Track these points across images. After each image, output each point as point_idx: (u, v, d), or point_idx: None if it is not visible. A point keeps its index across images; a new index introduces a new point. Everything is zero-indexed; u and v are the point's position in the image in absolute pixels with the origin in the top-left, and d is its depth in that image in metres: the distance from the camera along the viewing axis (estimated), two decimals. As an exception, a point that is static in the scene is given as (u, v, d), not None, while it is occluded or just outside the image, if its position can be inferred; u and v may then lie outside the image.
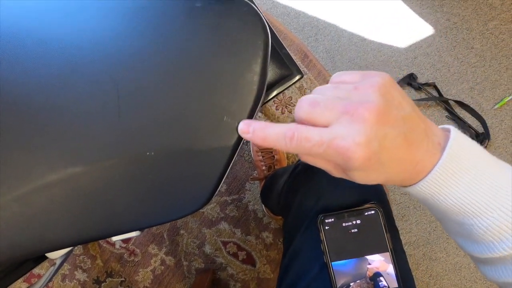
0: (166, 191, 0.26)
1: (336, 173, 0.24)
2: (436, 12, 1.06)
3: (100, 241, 0.92)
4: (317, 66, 0.99)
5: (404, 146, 0.20)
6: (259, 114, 0.95)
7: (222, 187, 0.93)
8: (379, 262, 0.32)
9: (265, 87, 0.27)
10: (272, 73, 0.48)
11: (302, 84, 0.98)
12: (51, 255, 0.30)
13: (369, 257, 0.32)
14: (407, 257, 0.38)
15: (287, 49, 0.51)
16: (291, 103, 0.97)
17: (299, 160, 0.45)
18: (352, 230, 0.33)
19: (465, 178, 0.21)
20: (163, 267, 0.92)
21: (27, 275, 0.89)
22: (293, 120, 1.03)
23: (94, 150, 0.23)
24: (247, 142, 0.93)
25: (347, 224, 0.33)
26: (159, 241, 0.92)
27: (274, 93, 0.49)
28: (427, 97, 1.02)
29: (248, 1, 0.25)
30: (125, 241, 0.91)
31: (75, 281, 0.90)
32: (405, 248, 0.37)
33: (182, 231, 0.93)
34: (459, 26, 1.06)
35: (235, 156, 0.26)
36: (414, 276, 0.52)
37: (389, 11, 1.06)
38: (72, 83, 0.23)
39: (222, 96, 0.24)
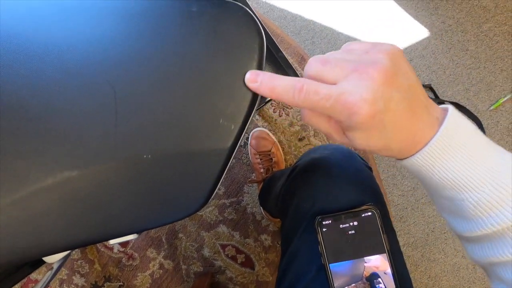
0: (162, 194, 0.26)
1: (336, 135, 0.24)
2: (431, 15, 1.07)
3: (98, 245, 0.91)
4: (314, 69, 1.00)
5: (407, 112, 0.21)
6: (256, 117, 0.96)
7: (220, 190, 0.93)
8: (377, 263, 0.32)
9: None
10: (268, 76, 0.48)
11: (299, 87, 0.99)
12: (49, 259, 0.30)
13: (366, 259, 0.33)
14: (406, 258, 0.38)
15: (283, 52, 0.51)
16: (288, 106, 0.97)
17: (296, 162, 0.45)
18: (349, 232, 0.33)
19: (460, 153, 0.21)
20: (161, 271, 0.91)
21: (24, 280, 0.89)
22: (291, 122, 1.02)
23: (91, 153, 0.23)
24: (245, 144, 0.94)
25: (344, 225, 0.33)
26: (158, 244, 0.92)
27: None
28: (423, 98, 1.03)
29: (243, 6, 0.25)
30: (123, 245, 0.91)
31: (73, 286, 0.89)
32: (403, 249, 0.38)
33: (180, 235, 0.92)
34: (454, 28, 1.07)
35: (231, 159, 0.27)
36: (412, 278, 0.52)
37: (385, 14, 1.07)
38: (68, 87, 0.23)
39: (218, 99, 0.24)
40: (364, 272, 0.32)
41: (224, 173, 0.27)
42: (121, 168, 0.24)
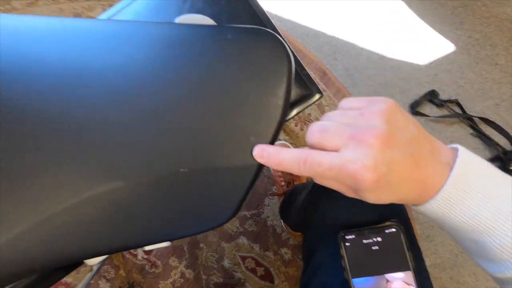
0: (195, 205, 0.28)
1: (349, 193, 0.25)
2: (457, 30, 1.06)
3: (123, 252, 0.95)
4: (336, 84, 1.01)
5: (411, 166, 0.22)
6: (279, 130, 0.97)
7: (242, 201, 0.94)
8: (401, 281, 0.32)
9: (288, 109, 0.29)
10: (293, 93, 0.50)
11: (321, 101, 1.00)
12: (90, 261, 0.33)
13: (390, 275, 0.33)
14: (433, 280, 0.37)
15: (307, 70, 0.53)
16: (310, 119, 0.98)
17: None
18: (373, 247, 0.33)
19: (475, 197, 0.21)
20: (182, 280, 0.93)
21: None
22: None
23: (136, 167, 0.26)
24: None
25: (367, 241, 0.34)
26: (179, 254, 0.94)
27: (295, 112, 0.52)
28: (449, 114, 1.01)
29: (274, 32, 0.28)
30: (147, 252, 0.94)
31: (99, 290, 0.93)
32: (430, 270, 0.37)
33: (201, 245, 0.94)
34: (481, 42, 1.04)
35: (260, 174, 0.28)
36: (439, 300, 0.50)
37: (409, 29, 1.07)
38: (119, 107, 0.26)
39: (249, 119, 0.26)
40: (388, 289, 0.32)
41: (253, 187, 0.28)
42: (160, 181, 0.27)
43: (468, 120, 1.00)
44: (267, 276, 0.92)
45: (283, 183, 0.89)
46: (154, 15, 0.47)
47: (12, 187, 0.26)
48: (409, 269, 0.32)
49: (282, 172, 0.89)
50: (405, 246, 0.33)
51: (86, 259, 0.32)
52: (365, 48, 1.05)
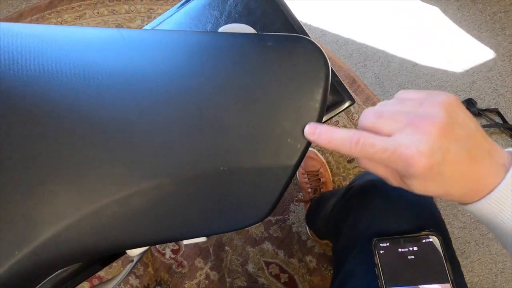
0: (233, 203, 0.29)
1: (393, 181, 0.25)
2: (497, 36, 1.01)
3: (152, 250, 0.99)
4: (366, 91, 0.99)
5: (467, 161, 0.21)
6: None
7: (267, 207, 0.95)
8: (438, 292, 0.31)
9: (324, 113, 0.30)
10: (324, 99, 0.51)
11: (350, 109, 0.99)
12: (132, 252, 0.35)
13: (426, 286, 0.32)
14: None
15: (338, 76, 0.54)
16: (338, 127, 0.97)
17: (350, 183, 0.45)
18: (409, 257, 0.33)
19: None
20: (207, 281, 0.95)
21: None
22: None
23: (181, 164, 0.28)
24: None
25: (403, 250, 0.33)
26: (205, 255, 0.96)
27: (325, 118, 0.52)
28: (488, 123, 0.95)
29: (312, 40, 0.29)
30: (175, 252, 0.97)
31: (128, 285, 0.97)
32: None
33: (227, 247, 0.96)
34: (525, 49, 0.99)
35: (295, 175, 0.29)
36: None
37: (444, 36, 1.03)
38: (168, 111, 0.28)
39: (287, 121, 0.28)
40: (425, 300, 0.31)
41: (287, 188, 0.29)
42: (202, 178, 0.28)
43: (509, 130, 0.94)
44: (291, 283, 0.91)
45: (309, 190, 0.88)
46: (194, 25, 0.50)
47: (71, 178, 0.29)
48: (447, 282, 0.31)
49: (309, 178, 0.89)
50: (443, 257, 0.32)
51: (129, 249, 0.34)
52: (397, 56, 1.03)
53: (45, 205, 0.28)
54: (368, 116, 0.24)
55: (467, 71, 1.00)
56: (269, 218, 0.95)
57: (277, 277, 0.92)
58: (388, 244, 0.33)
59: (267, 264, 0.93)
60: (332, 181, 0.93)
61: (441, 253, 0.32)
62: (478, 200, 0.22)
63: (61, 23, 1.09)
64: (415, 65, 1.02)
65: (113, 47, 0.29)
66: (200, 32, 0.30)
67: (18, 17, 1.10)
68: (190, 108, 0.28)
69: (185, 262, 0.96)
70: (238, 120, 0.28)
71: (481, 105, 0.97)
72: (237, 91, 0.28)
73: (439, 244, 0.32)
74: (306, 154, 0.99)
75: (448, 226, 0.93)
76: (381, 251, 0.33)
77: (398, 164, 0.21)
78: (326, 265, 0.92)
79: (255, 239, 0.95)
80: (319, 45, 0.28)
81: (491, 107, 0.96)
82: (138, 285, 0.97)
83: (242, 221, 0.30)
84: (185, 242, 0.32)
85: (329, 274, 0.92)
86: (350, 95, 0.52)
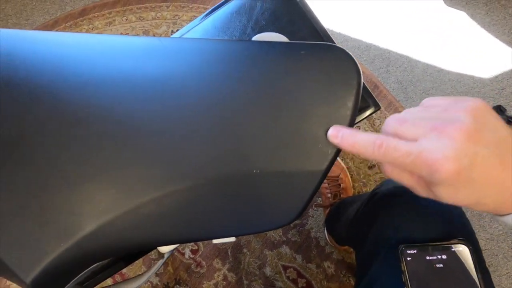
0: (263, 205, 0.30)
1: (419, 189, 0.24)
2: (529, 41, 0.97)
3: (172, 249, 1.01)
4: (388, 97, 0.98)
5: (499, 167, 0.20)
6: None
7: (286, 211, 0.95)
8: (469, 303, 0.31)
9: (355, 120, 0.30)
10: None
11: (372, 115, 0.98)
12: (163, 248, 0.37)
13: (456, 296, 0.31)
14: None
15: (364, 82, 0.54)
16: (359, 132, 0.97)
17: (375, 189, 0.45)
18: (437, 265, 0.32)
19: None
20: (225, 282, 0.96)
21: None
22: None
23: (216, 166, 0.29)
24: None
25: (431, 258, 0.33)
26: (223, 256, 0.98)
27: (350, 123, 0.52)
28: (519, 132, 0.91)
29: (344, 49, 0.30)
30: (194, 252, 0.99)
31: (148, 283, 1.00)
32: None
33: (245, 250, 0.97)
34: (559, 54, 0.94)
35: (324, 180, 0.30)
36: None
37: (471, 41, 1.01)
38: (204, 117, 0.29)
39: (319, 127, 0.28)
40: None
41: (317, 192, 0.30)
42: (235, 180, 0.30)
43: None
44: (309, 289, 0.91)
45: (329, 195, 0.88)
46: (222, 32, 0.52)
47: (113, 177, 0.31)
48: (478, 292, 0.31)
49: (328, 183, 0.89)
50: (474, 267, 0.31)
51: (162, 245, 0.36)
52: (421, 61, 1.01)
53: (89, 201, 0.31)
54: (391, 121, 0.24)
55: (496, 77, 0.97)
56: (288, 222, 0.95)
57: (294, 281, 0.92)
58: (416, 251, 0.33)
59: (285, 268, 0.93)
60: (352, 187, 0.93)
61: (472, 262, 0.31)
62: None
63: (92, 29, 1.15)
64: (440, 70, 1.00)
65: (155, 54, 0.31)
66: (236, 41, 0.32)
67: (53, 24, 1.17)
68: (228, 114, 0.29)
69: (203, 263, 0.98)
70: (272, 126, 0.29)
71: (511, 112, 0.93)
72: (272, 97, 0.29)
73: (469, 253, 0.32)
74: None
75: (473, 237, 0.90)
76: (408, 258, 0.33)
77: (423, 169, 0.21)
78: (344, 271, 0.91)
79: (273, 242, 0.95)
80: (351, 53, 0.29)
81: (522, 115, 0.92)
82: (158, 283, 0.99)
83: (271, 223, 0.31)
84: (215, 241, 0.33)
85: (347, 281, 0.91)
86: (376, 101, 0.52)
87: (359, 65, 0.29)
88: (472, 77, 0.98)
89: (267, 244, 0.96)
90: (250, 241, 0.97)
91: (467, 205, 0.22)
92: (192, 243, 1.00)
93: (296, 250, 0.94)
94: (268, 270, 0.94)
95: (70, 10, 1.17)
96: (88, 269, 0.38)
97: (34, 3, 1.18)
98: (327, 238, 0.91)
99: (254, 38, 0.35)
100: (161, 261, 0.38)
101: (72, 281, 0.33)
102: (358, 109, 0.53)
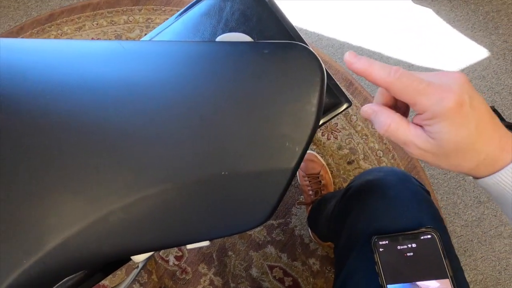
0: (234, 207, 0.30)
1: (417, 139, 0.24)
2: (491, 35, 1.02)
3: (155, 257, 0.99)
4: (363, 93, 1.01)
5: (490, 120, 0.23)
6: (305, 140, 0.98)
7: (269, 210, 0.95)
8: (438, 288, 0.32)
9: (321, 116, 0.31)
10: (321, 102, 0.52)
11: (348, 111, 1.00)
12: (137, 258, 0.36)
13: (426, 283, 0.32)
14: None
15: (335, 79, 0.55)
16: (337, 129, 0.98)
17: (349, 184, 0.46)
18: (408, 254, 0.33)
19: None
20: (211, 287, 0.95)
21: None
22: (339, 146, 1.01)
23: (184, 169, 0.29)
24: (294, 167, 0.96)
25: (402, 247, 0.34)
26: (209, 261, 0.96)
27: (323, 120, 0.53)
28: (486, 121, 0.96)
29: (307, 46, 0.30)
30: (178, 258, 0.97)
31: (133, 294, 0.97)
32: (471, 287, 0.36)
33: (230, 252, 0.96)
34: (518, 47, 1.00)
35: (294, 178, 0.30)
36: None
37: (438, 37, 1.05)
38: (170, 118, 0.29)
39: (285, 125, 0.29)
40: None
41: (287, 191, 0.30)
42: (203, 183, 0.29)
43: (507, 128, 0.95)
44: (295, 287, 0.91)
45: (310, 193, 0.89)
46: (192, 34, 0.52)
47: (77, 187, 0.30)
48: (446, 277, 0.32)
49: (309, 181, 0.90)
50: (441, 253, 0.32)
51: (134, 255, 0.35)
52: (392, 57, 1.04)
53: (52, 214, 0.29)
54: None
55: (463, 70, 1.01)
56: (271, 221, 0.95)
57: (281, 280, 0.92)
58: (387, 242, 0.34)
59: (271, 268, 0.93)
60: (333, 183, 0.94)
61: (440, 249, 0.33)
62: (498, 171, 0.23)
63: (61, 35, 1.11)
64: (411, 65, 1.03)
65: (115, 58, 0.30)
66: (199, 42, 0.31)
67: (18, 31, 1.12)
68: (191, 116, 0.29)
69: (188, 269, 0.96)
70: (237, 126, 0.28)
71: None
72: (236, 98, 0.29)
73: (437, 240, 0.33)
74: (306, 157, 0.99)
75: (449, 225, 0.93)
76: (381, 249, 0.34)
77: (432, 96, 0.22)
78: (329, 267, 0.92)
79: (258, 243, 0.95)
80: (313, 51, 0.29)
81: (489, 105, 0.97)
82: (143, 293, 0.97)
83: (244, 224, 0.31)
84: (189, 246, 0.33)
85: (332, 276, 0.92)
86: (347, 98, 0.53)
87: (321, 61, 0.29)
88: (440, 71, 1.02)
89: (252, 245, 0.95)
90: (235, 243, 0.96)
91: (466, 144, 0.23)
92: (176, 249, 0.99)
93: (281, 249, 0.94)
94: (254, 271, 0.94)
95: (36, 15, 1.12)
96: (60, 283, 0.36)
97: (-4, 10, 1.13)
98: (311, 235, 0.92)
99: (218, 38, 0.35)
100: (135, 271, 0.37)
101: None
102: (331, 106, 0.54)
